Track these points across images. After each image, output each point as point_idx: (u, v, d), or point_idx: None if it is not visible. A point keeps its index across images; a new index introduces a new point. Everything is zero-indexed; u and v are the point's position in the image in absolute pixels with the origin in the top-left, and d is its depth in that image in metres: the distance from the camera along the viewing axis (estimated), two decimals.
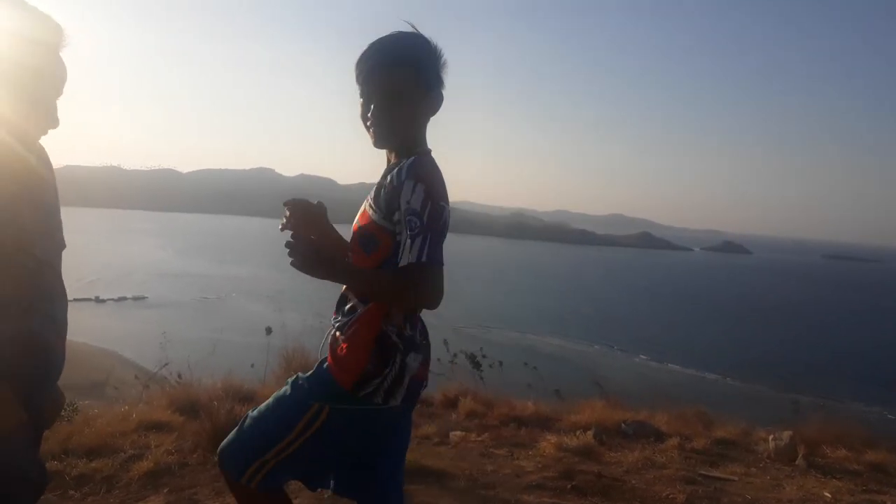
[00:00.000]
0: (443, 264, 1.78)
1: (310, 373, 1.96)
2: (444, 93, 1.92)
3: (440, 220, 1.78)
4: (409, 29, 1.90)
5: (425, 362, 1.96)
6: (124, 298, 71.23)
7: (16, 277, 1.56)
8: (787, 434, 5.16)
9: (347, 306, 1.92)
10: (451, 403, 6.10)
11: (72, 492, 3.62)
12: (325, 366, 1.92)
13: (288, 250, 1.73)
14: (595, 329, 69.59)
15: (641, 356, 57.26)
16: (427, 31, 1.90)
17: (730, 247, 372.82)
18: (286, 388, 1.96)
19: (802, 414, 6.27)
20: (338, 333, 1.92)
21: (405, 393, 1.87)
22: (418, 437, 4.95)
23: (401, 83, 1.85)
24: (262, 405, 1.99)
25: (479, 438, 5.01)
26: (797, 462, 4.88)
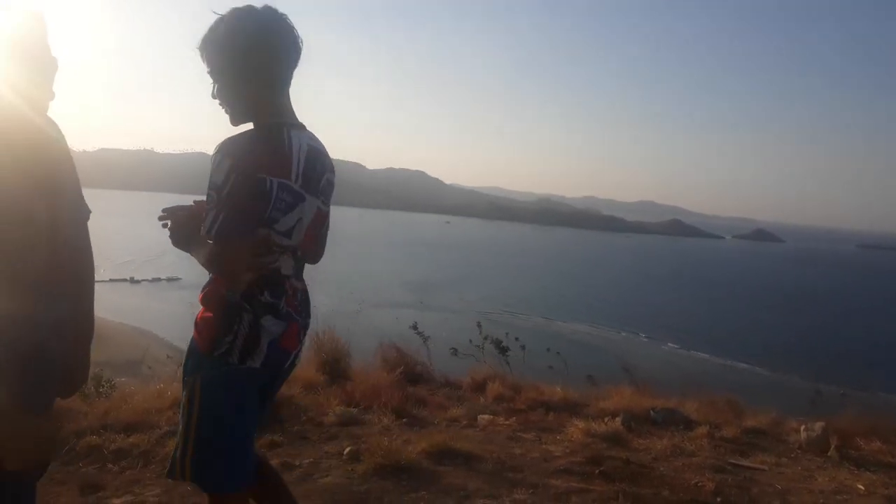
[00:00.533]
0: (241, 236, 1.84)
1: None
2: (285, 56, 1.95)
3: (247, 192, 1.82)
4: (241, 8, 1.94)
5: (292, 331, 2.02)
6: (158, 279, 72.42)
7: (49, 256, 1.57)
8: (819, 425, 5.09)
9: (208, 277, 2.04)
10: (479, 387, 6.12)
11: (110, 465, 3.72)
12: (192, 338, 2.04)
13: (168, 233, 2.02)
14: (623, 316, 69.14)
15: (670, 344, 56.79)
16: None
17: (762, 235, 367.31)
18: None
19: (831, 404, 6.19)
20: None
21: (264, 357, 1.94)
22: (447, 420, 4.99)
23: (212, 62, 1.94)
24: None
25: (507, 422, 5.02)
26: (829, 453, 4.82)
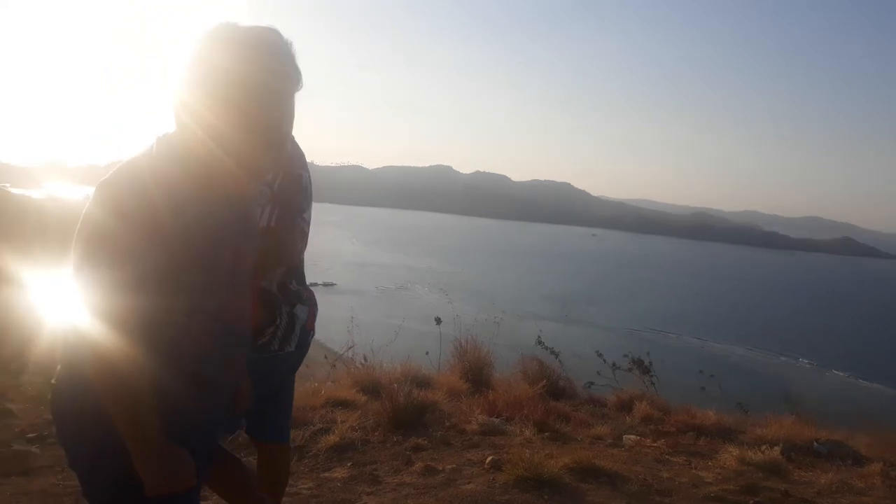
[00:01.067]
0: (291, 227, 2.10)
1: None
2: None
3: (292, 188, 2.11)
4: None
5: (312, 314, 2.21)
6: (315, 284, 76.26)
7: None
8: None
9: None
10: (626, 406, 5.96)
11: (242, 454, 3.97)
12: None
13: None
14: (783, 340, 64.53)
15: (836, 371, 52.31)
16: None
17: None
18: None
19: None
20: None
21: (298, 340, 2.13)
22: (591, 437, 4.89)
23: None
24: None
25: (655, 444, 4.85)
26: None
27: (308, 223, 2.16)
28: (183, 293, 1.41)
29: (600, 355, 7.77)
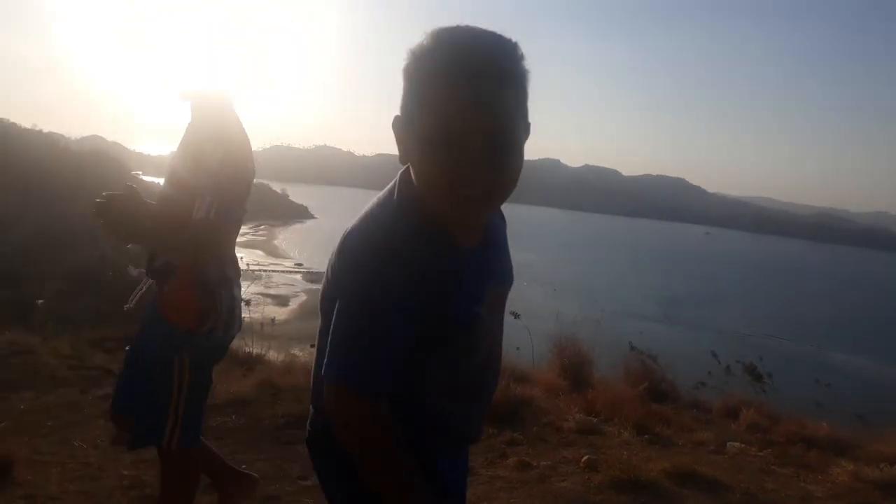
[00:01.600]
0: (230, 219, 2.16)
1: (145, 334, 2.22)
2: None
3: (237, 179, 2.17)
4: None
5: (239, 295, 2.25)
6: None
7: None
8: None
9: (157, 262, 2.18)
10: (731, 413, 5.73)
11: None
12: (158, 321, 2.14)
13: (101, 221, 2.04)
14: None
15: None
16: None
17: None
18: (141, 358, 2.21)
19: None
20: (160, 287, 2.17)
21: (238, 322, 2.24)
22: (692, 442, 4.74)
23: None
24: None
25: (761, 453, 4.64)
26: None
27: (245, 211, 2.22)
28: None
29: (715, 356, 7.49)
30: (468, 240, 1.23)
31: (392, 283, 1.11)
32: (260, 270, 61.03)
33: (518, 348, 6.86)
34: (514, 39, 1.13)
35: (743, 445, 4.77)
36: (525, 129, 1.16)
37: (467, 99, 1.05)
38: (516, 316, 6.70)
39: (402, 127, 1.15)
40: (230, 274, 2.22)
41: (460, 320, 1.22)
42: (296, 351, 8.48)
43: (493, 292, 1.29)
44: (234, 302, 2.22)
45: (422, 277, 1.13)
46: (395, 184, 1.22)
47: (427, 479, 1.20)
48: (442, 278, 1.16)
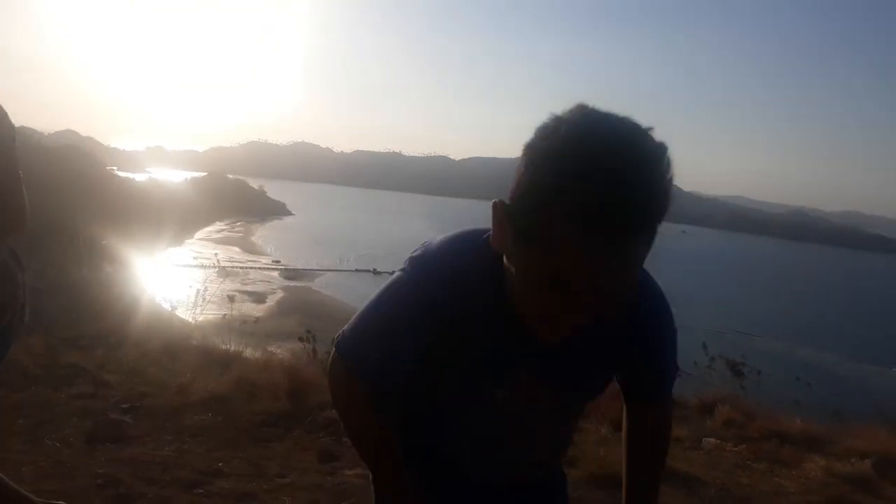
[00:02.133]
0: None
1: None
2: None
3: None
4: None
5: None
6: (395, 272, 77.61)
7: None
8: None
9: None
10: (707, 409, 5.79)
11: (345, 439, 4.07)
12: None
13: None
14: (885, 349, 61.09)
15: None
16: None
17: None
18: None
19: None
20: None
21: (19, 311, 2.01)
22: None
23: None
24: None
25: (736, 449, 4.70)
26: None
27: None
28: None
29: (705, 347, 7.51)
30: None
31: (422, 302, 1.10)
32: (237, 267, 60.81)
33: None
34: (664, 144, 0.89)
35: (718, 441, 4.83)
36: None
37: (594, 254, 0.86)
38: None
39: (506, 217, 0.97)
40: (16, 256, 2.05)
41: (462, 389, 1.19)
42: (273, 348, 8.44)
43: (533, 388, 1.18)
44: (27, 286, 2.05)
45: (452, 328, 1.10)
46: (486, 238, 1.06)
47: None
48: (472, 343, 1.12)
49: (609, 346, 1.16)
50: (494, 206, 0.99)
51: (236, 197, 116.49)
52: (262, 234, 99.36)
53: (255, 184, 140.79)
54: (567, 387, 1.20)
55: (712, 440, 4.84)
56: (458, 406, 1.22)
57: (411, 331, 1.12)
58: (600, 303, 0.92)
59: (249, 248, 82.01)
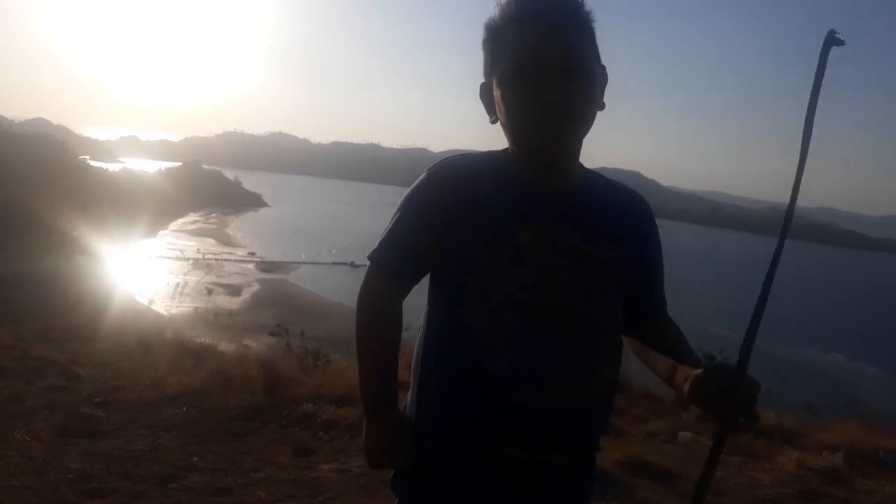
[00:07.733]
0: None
1: None
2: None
3: None
4: None
5: None
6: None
7: None
8: None
9: None
10: (683, 403, 5.83)
11: (321, 433, 4.05)
12: None
13: None
14: (857, 343, 62.14)
15: None
16: None
17: None
18: None
19: None
20: None
21: None
22: (645, 433, 4.81)
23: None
24: None
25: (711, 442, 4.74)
26: None
27: None
28: None
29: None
30: (549, 176, 1.25)
31: (432, 195, 1.26)
32: (211, 259, 60.26)
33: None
34: None
35: (694, 435, 4.87)
36: (601, 73, 1.24)
37: (536, 37, 1.16)
38: None
39: (485, 88, 1.26)
40: None
41: (487, 232, 1.21)
42: (248, 341, 8.37)
43: (556, 230, 1.22)
44: None
45: (464, 200, 1.22)
46: None
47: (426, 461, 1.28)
48: (489, 202, 1.22)
49: (615, 215, 1.32)
50: (480, 92, 1.28)
51: (211, 188, 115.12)
52: (238, 225, 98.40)
53: (230, 174, 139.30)
54: (586, 234, 1.25)
55: (688, 434, 4.87)
56: (493, 268, 1.21)
57: (425, 219, 1.26)
58: (561, 90, 1.15)
59: (224, 240, 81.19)
